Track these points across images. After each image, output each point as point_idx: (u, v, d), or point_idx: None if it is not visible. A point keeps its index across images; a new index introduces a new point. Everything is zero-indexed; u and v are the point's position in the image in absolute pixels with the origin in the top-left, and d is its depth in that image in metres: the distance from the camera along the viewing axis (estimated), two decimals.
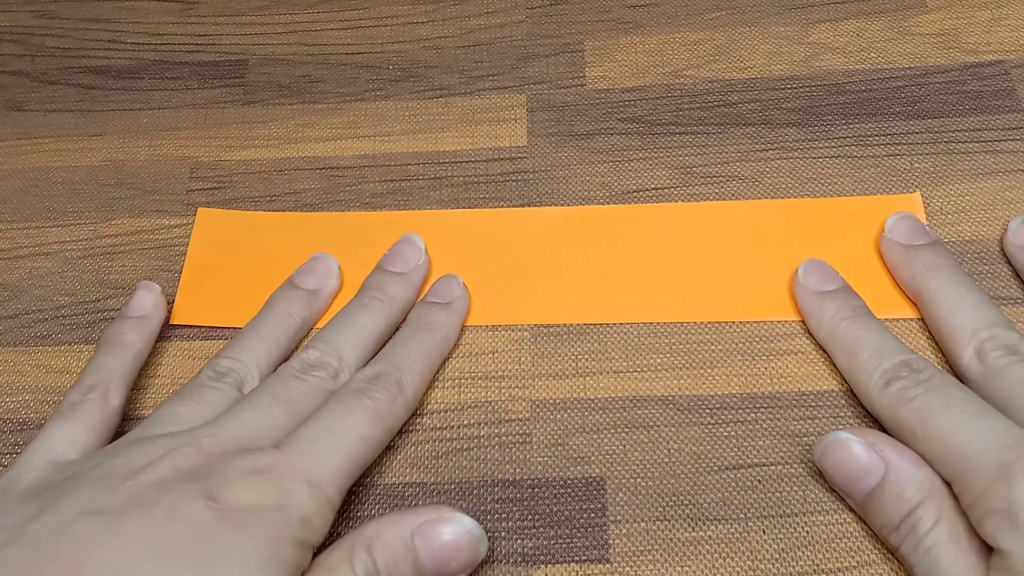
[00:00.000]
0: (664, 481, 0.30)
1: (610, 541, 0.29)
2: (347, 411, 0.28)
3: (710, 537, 0.29)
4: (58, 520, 0.25)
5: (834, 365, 0.31)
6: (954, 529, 0.26)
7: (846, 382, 0.31)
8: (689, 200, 0.35)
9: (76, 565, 0.24)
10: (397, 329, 0.32)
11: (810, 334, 0.32)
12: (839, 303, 0.31)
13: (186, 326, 0.34)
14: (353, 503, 0.30)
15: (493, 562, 0.28)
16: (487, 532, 0.29)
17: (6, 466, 0.31)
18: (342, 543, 0.27)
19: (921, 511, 0.26)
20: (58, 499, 0.26)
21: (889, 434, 0.28)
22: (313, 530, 0.26)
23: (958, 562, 0.25)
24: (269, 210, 0.36)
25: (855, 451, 0.27)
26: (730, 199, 0.35)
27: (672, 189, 0.35)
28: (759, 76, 0.38)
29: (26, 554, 0.24)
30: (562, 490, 0.30)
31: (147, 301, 0.33)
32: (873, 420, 0.29)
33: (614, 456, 0.30)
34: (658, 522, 0.29)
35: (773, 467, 0.30)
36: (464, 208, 0.35)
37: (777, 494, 0.29)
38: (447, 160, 0.37)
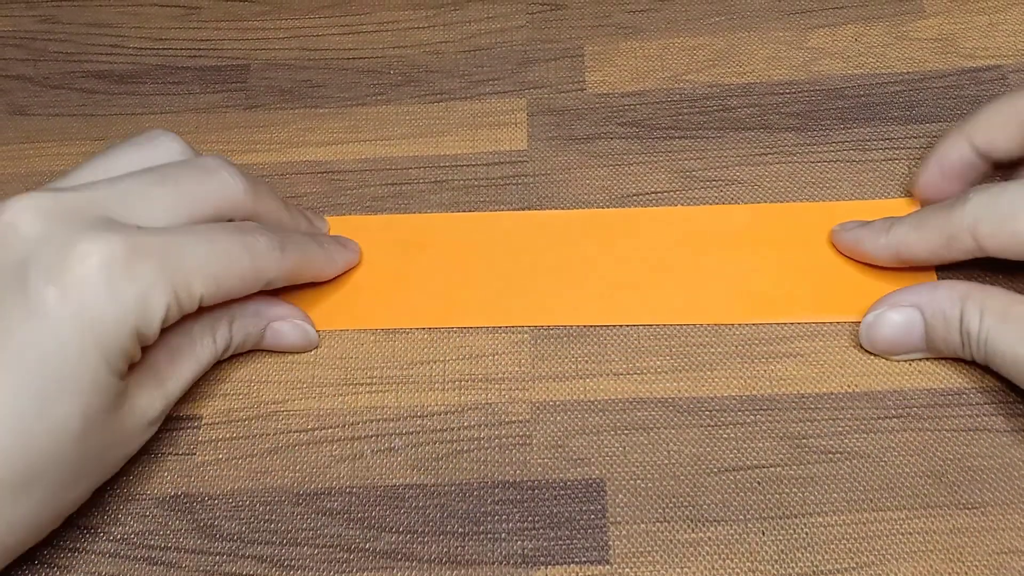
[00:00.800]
0: (664, 483, 0.30)
1: (610, 542, 0.29)
2: (221, 229, 0.29)
3: (710, 538, 0.29)
4: None
5: (834, 366, 0.31)
6: (998, 311, 0.28)
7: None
8: (689, 204, 0.35)
9: None
10: None
11: (808, 338, 0.32)
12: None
13: None
14: (353, 503, 0.30)
15: (493, 563, 0.29)
16: (487, 534, 0.29)
17: None
18: (202, 313, 0.29)
19: (966, 318, 0.29)
20: None
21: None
22: (155, 330, 0.27)
23: (1012, 331, 0.28)
24: None
25: (890, 319, 0.30)
26: (729, 203, 0.35)
27: (672, 193, 0.35)
28: (758, 81, 0.38)
29: None
30: (562, 491, 0.30)
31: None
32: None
33: (614, 458, 0.30)
34: (658, 523, 0.29)
35: (772, 469, 0.30)
36: (465, 212, 0.36)
37: (776, 496, 0.29)
38: (448, 164, 0.37)
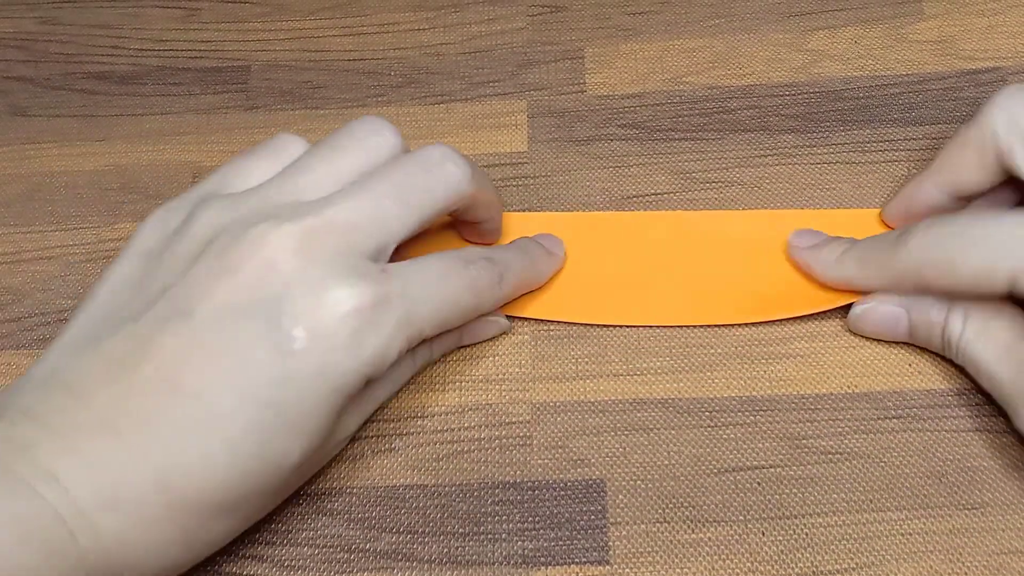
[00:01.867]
0: (664, 483, 0.30)
1: (610, 543, 0.29)
2: (451, 270, 0.29)
3: (710, 539, 0.29)
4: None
5: (833, 367, 0.31)
6: (979, 324, 0.29)
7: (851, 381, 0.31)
8: (688, 206, 0.35)
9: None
10: None
11: (808, 339, 0.32)
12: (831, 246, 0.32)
13: None
14: (353, 503, 0.30)
15: (493, 564, 0.29)
16: (487, 534, 0.29)
17: None
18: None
19: (949, 324, 0.30)
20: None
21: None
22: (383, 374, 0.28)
23: (989, 344, 0.29)
24: None
25: (877, 312, 0.31)
26: (729, 204, 0.35)
27: (671, 195, 0.36)
28: (758, 83, 0.38)
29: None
30: (562, 492, 0.30)
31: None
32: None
33: (614, 458, 0.30)
34: (658, 524, 0.29)
35: (772, 469, 0.30)
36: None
37: (776, 496, 0.29)
38: None
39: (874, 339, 0.32)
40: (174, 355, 0.25)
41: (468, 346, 0.33)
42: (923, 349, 0.31)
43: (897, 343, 0.31)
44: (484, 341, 0.33)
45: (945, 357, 0.31)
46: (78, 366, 0.26)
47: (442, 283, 0.29)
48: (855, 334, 0.32)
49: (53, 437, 0.24)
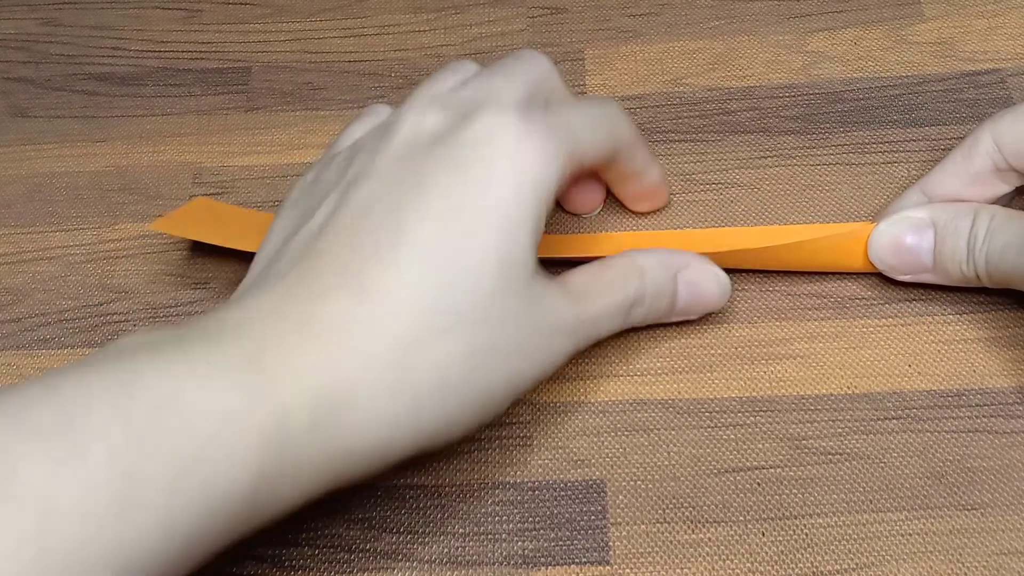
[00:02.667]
0: (664, 484, 0.30)
1: (610, 543, 0.29)
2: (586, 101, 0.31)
3: (710, 539, 0.29)
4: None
5: (833, 367, 0.31)
6: (1008, 215, 0.29)
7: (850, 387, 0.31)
8: (689, 207, 0.35)
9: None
10: None
11: (808, 339, 0.32)
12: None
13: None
14: (353, 503, 0.30)
15: (493, 564, 0.29)
16: (487, 534, 0.29)
17: None
18: (612, 263, 0.30)
19: (977, 223, 0.29)
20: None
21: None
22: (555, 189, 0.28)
23: (1017, 227, 0.29)
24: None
25: (903, 225, 0.31)
26: (729, 206, 0.35)
27: (671, 196, 0.36)
28: (758, 84, 0.38)
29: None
30: (562, 492, 0.30)
31: None
32: None
33: (614, 459, 0.30)
34: (658, 524, 0.29)
35: (772, 470, 0.30)
36: None
37: (776, 497, 0.29)
38: None
39: (893, 274, 0.32)
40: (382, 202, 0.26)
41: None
42: (924, 349, 0.31)
43: (896, 347, 0.32)
44: (705, 312, 0.32)
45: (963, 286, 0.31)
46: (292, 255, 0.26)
47: (580, 106, 0.30)
48: (845, 327, 0.32)
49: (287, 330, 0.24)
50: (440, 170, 0.26)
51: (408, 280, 0.25)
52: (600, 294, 0.29)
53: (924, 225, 0.31)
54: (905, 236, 0.31)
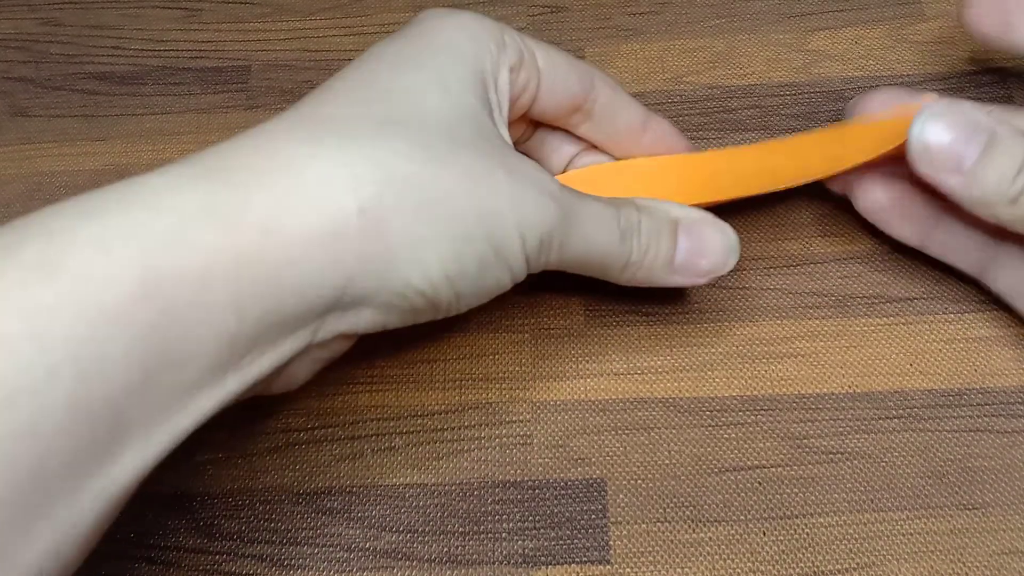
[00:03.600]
0: (665, 483, 0.30)
1: (611, 542, 0.29)
2: None
3: (711, 538, 0.29)
4: None
5: (834, 366, 0.31)
6: None
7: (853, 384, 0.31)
8: None
9: None
10: None
11: (809, 338, 0.32)
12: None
13: None
14: (353, 502, 0.30)
15: (493, 563, 0.29)
16: (488, 533, 0.29)
17: None
18: (611, 194, 0.29)
19: None
20: None
21: None
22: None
23: None
24: None
25: (958, 112, 0.28)
26: (729, 204, 0.35)
27: None
28: (758, 83, 0.38)
29: None
30: (563, 491, 0.30)
31: None
32: None
33: (615, 458, 0.30)
34: (659, 523, 0.29)
35: (773, 469, 0.30)
36: None
37: (778, 496, 0.29)
38: None
39: (922, 163, 0.28)
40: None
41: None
42: (924, 349, 0.31)
43: (897, 346, 0.31)
44: (706, 279, 0.30)
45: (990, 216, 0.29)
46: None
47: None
48: (845, 327, 0.32)
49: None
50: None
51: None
52: (590, 204, 0.28)
53: (983, 127, 0.28)
54: (960, 126, 0.28)
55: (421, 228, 0.24)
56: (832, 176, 0.32)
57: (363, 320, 0.25)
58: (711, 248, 0.29)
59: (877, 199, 0.31)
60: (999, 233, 0.30)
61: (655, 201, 0.30)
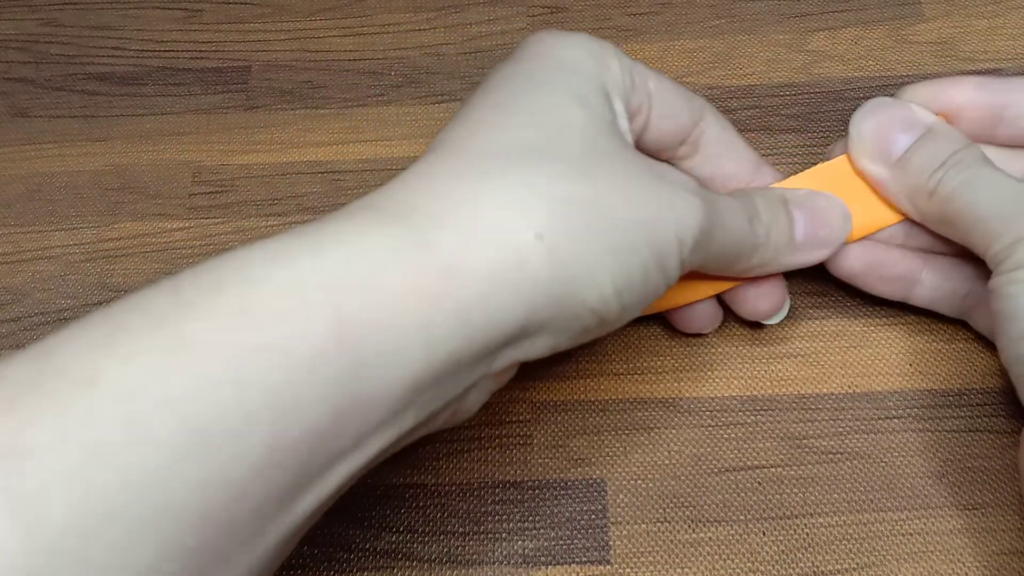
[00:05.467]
0: (665, 483, 0.30)
1: (611, 542, 0.29)
2: None
3: (710, 539, 0.29)
4: None
5: (834, 367, 0.31)
6: (992, 163, 0.28)
7: (851, 384, 0.31)
8: None
9: None
10: None
11: (809, 338, 0.32)
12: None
13: None
14: (353, 503, 0.30)
15: (493, 563, 0.29)
16: (488, 533, 0.29)
17: None
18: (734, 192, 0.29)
19: (969, 149, 0.28)
20: None
21: None
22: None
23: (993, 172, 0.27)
24: (271, 214, 0.36)
25: (895, 107, 0.29)
26: None
27: None
28: (758, 83, 0.38)
29: None
30: (563, 491, 0.30)
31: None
32: None
33: (615, 458, 0.30)
34: (659, 523, 0.29)
35: (773, 469, 0.30)
36: None
37: (777, 496, 0.29)
38: None
39: (859, 152, 0.30)
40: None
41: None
42: (924, 349, 0.31)
43: (897, 346, 0.31)
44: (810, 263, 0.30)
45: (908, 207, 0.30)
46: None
47: None
48: (845, 327, 0.32)
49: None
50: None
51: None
52: (728, 197, 0.28)
53: (919, 123, 0.29)
54: (898, 116, 0.29)
55: (593, 245, 0.24)
56: None
57: (538, 347, 0.24)
58: (826, 217, 0.30)
59: (851, 265, 0.31)
60: (982, 277, 0.30)
61: (759, 187, 0.30)
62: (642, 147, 0.30)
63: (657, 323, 0.33)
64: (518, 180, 0.23)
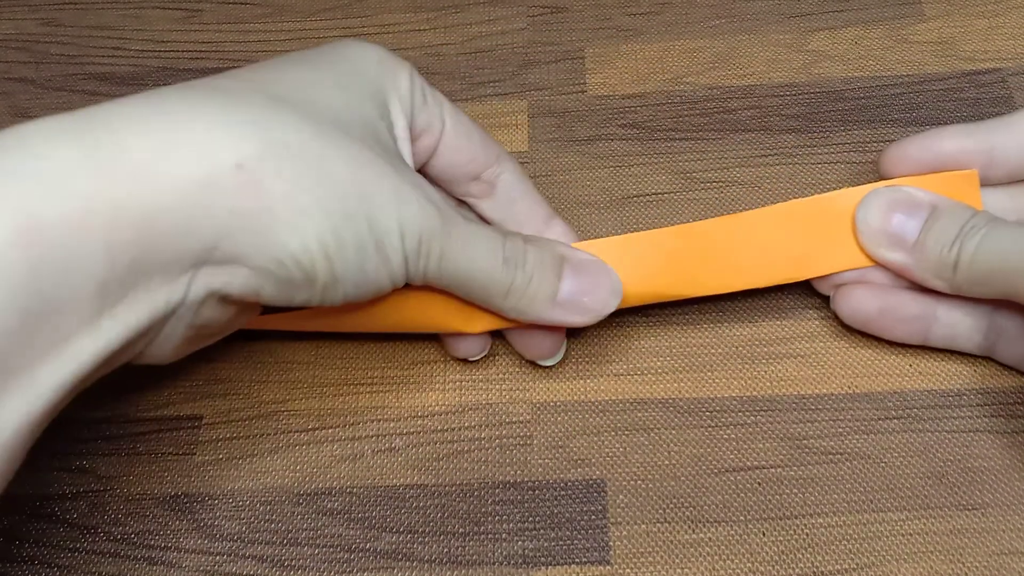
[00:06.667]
0: (664, 483, 0.30)
1: (611, 543, 0.29)
2: None
3: (710, 539, 0.29)
4: None
5: (834, 367, 0.31)
6: (1007, 221, 0.28)
7: (852, 386, 0.31)
8: (689, 205, 0.35)
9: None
10: None
11: (809, 339, 0.32)
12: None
13: None
14: (353, 503, 0.30)
15: (493, 563, 0.29)
16: (488, 534, 0.29)
17: None
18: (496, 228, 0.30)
19: (977, 218, 0.28)
20: None
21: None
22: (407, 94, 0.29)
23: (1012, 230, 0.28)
24: None
25: (901, 192, 0.30)
26: (730, 204, 0.35)
27: (672, 194, 0.36)
28: (758, 83, 0.38)
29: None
30: (563, 492, 0.30)
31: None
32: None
33: (615, 458, 0.30)
34: (658, 524, 0.29)
35: (773, 470, 0.30)
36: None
37: (777, 496, 0.29)
38: None
39: (873, 244, 0.30)
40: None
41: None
42: (924, 349, 0.31)
43: (897, 347, 0.31)
44: (580, 324, 0.30)
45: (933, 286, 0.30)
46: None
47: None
48: (845, 327, 0.31)
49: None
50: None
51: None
52: (474, 229, 0.28)
53: (923, 204, 0.30)
54: (901, 204, 0.30)
55: (302, 196, 0.24)
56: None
57: (237, 281, 0.25)
58: (595, 287, 0.29)
59: (866, 309, 0.31)
60: (1001, 308, 0.30)
61: (544, 238, 0.30)
62: (433, 173, 0.31)
63: (657, 323, 0.33)
64: (239, 112, 0.24)
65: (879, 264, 0.30)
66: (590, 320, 0.29)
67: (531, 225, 0.32)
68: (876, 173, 0.35)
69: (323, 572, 0.29)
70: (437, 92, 0.30)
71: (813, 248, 0.31)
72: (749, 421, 0.31)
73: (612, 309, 0.29)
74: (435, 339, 0.33)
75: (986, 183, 0.30)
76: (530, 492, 0.30)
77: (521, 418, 0.31)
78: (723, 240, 0.31)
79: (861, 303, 0.31)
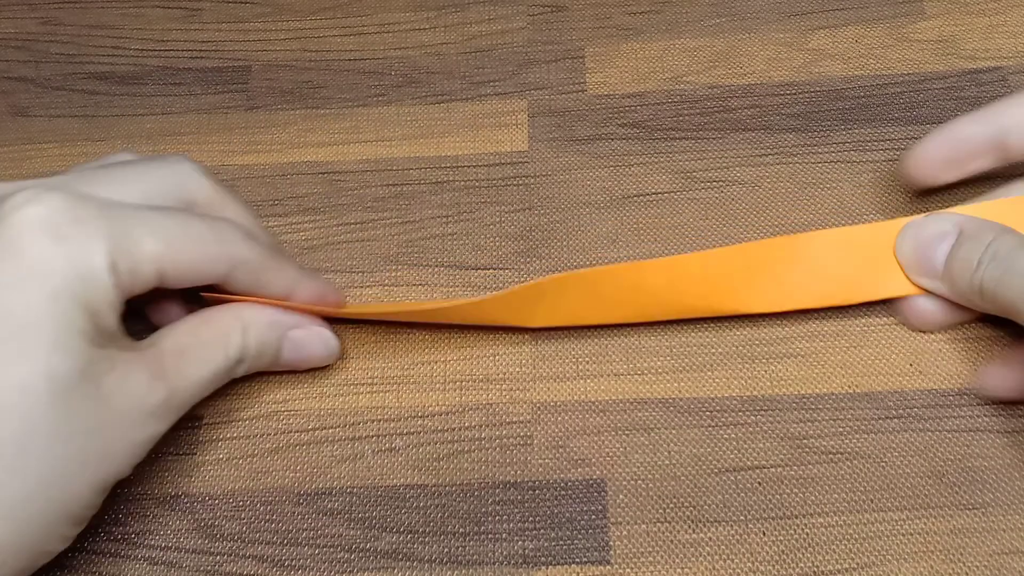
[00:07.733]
0: (664, 483, 0.30)
1: (611, 543, 0.29)
2: (185, 213, 0.29)
3: (710, 539, 0.29)
4: None
5: (834, 367, 0.31)
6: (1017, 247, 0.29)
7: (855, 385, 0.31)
8: (689, 205, 0.35)
9: None
10: None
11: (809, 338, 0.32)
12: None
13: None
14: (353, 503, 0.30)
15: (494, 563, 0.29)
16: (488, 534, 0.29)
17: None
18: (214, 319, 0.29)
19: (1001, 238, 0.29)
20: None
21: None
22: (109, 288, 0.26)
23: None
24: (272, 215, 0.36)
25: (933, 221, 0.31)
26: (730, 203, 0.35)
27: (672, 193, 0.36)
28: (759, 82, 0.38)
29: None
30: (563, 492, 0.30)
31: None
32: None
33: (615, 458, 0.30)
34: (659, 524, 0.29)
35: (773, 469, 0.30)
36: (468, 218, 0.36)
37: (777, 496, 0.29)
38: (448, 164, 0.37)
39: (913, 274, 0.31)
40: None
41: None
42: (924, 349, 0.31)
43: (897, 346, 0.31)
44: (310, 366, 0.32)
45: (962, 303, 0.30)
46: None
47: (167, 211, 0.28)
48: (845, 327, 0.32)
49: None
50: None
51: None
52: (196, 360, 0.28)
53: (949, 231, 0.30)
54: (928, 233, 0.31)
55: None
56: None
57: None
58: (313, 356, 0.32)
59: (1009, 386, 0.30)
60: None
61: (265, 311, 0.30)
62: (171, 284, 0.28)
63: (657, 323, 0.33)
64: None
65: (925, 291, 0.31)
66: (317, 364, 0.32)
67: (281, 294, 0.31)
68: (875, 172, 0.35)
69: (323, 572, 0.29)
70: (156, 231, 0.27)
71: (865, 274, 0.32)
72: (749, 421, 0.31)
73: (330, 359, 0.32)
74: (435, 339, 0.33)
75: (1011, 167, 0.31)
76: (530, 492, 0.30)
77: (521, 418, 0.31)
78: (776, 261, 0.32)
79: (1007, 379, 0.30)
